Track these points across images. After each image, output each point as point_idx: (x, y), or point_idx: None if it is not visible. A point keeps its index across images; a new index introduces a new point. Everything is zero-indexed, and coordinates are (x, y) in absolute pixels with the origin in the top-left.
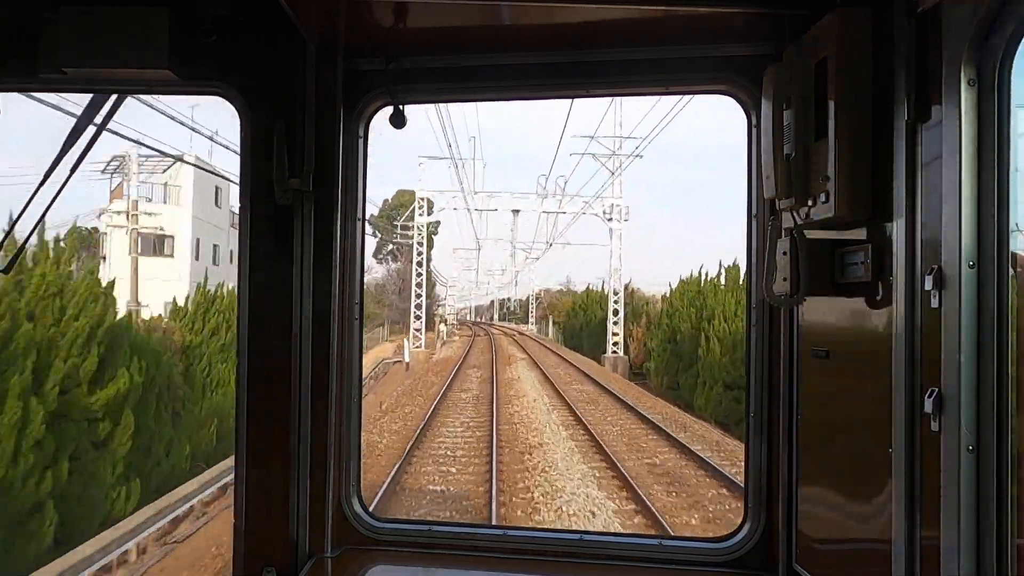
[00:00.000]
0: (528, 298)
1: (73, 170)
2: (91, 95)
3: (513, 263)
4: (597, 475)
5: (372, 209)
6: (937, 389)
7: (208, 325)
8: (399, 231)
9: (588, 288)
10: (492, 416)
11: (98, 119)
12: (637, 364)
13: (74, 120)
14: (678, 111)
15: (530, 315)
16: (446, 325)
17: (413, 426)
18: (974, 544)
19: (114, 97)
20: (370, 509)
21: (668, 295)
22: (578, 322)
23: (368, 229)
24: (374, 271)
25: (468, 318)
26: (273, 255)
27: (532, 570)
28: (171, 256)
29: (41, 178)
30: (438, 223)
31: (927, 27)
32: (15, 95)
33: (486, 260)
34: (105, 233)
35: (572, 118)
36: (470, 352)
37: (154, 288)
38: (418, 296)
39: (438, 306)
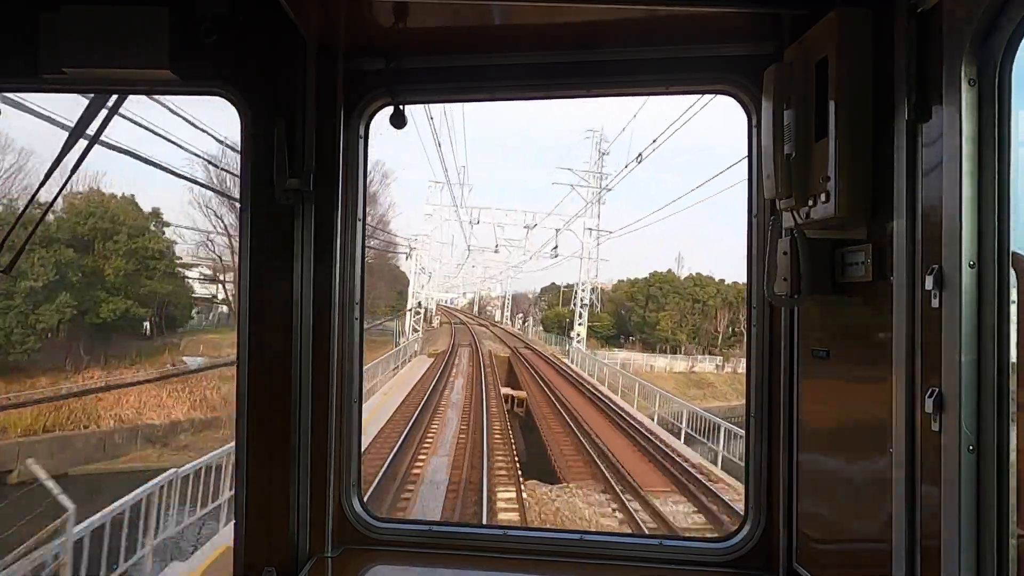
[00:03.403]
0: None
1: (74, 170)
2: (91, 95)
3: (596, 211)
4: None
5: None
6: (937, 389)
7: None
8: None
9: None
10: None
11: (98, 119)
12: None
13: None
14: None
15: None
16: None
17: None
18: (974, 544)
19: (114, 97)
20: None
21: None
22: None
23: None
24: None
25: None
26: (273, 255)
27: (532, 570)
28: None
29: (42, 178)
30: None
31: (927, 27)
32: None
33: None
34: None
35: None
36: None
37: None
38: None
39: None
